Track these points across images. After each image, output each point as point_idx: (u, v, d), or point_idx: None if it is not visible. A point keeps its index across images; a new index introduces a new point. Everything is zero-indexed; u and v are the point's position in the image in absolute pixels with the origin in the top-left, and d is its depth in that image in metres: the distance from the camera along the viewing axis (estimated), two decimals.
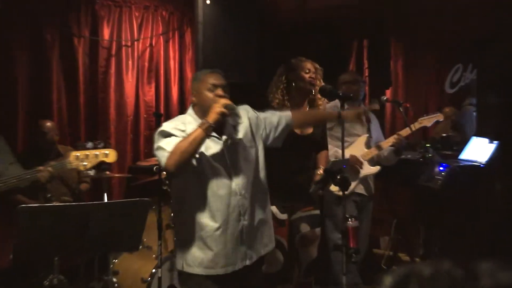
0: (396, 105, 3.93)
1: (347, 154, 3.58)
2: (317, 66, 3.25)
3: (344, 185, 2.58)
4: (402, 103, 3.83)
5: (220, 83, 2.46)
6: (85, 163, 2.85)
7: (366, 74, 5.74)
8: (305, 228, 3.18)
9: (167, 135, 2.38)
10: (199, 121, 2.40)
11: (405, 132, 3.65)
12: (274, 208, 3.03)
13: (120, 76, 5.07)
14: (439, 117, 3.79)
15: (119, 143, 5.05)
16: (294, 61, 3.25)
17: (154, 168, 3.98)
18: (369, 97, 5.35)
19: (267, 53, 4.50)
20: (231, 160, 2.46)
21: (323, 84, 3.17)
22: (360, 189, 3.71)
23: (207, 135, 2.34)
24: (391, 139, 3.67)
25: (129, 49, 5.10)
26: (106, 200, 3.99)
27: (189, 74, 5.31)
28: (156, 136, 2.41)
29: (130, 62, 5.10)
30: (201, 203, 2.44)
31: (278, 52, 3.32)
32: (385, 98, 3.87)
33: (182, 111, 5.27)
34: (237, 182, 2.46)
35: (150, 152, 4.98)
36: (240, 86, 3.18)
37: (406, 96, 5.90)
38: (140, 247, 3.54)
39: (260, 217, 2.56)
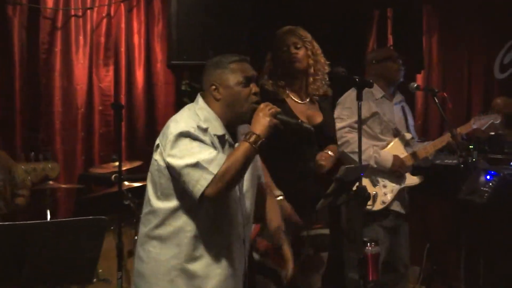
0: (430, 94, 3.96)
1: (387, 155, 3.62)
2: (303, 35, 3.26)
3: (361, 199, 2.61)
4: (438, 92, 3.86)
5: (253, 75, 2.55)
6: (29, 178, 2.90)
7: None
8: (308, 251, 3.20)
9: (194, 138, 2.38)
10: (218, 120, 2.47)
11: (461, 131, 3.75)
12: None
13: (68, 55, 5.06)
14: (496, 117, 3.83)
15: (67, 144, 5.03)
16: (276, 36, 3.33)
17: (113, 176, 3.98)
18: None
19: (264, 26, 4.48)
20: None
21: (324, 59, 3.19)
22: (396, 205, 3.74)
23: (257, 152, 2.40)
24: (440, 142, 3.72)
25: (80, 20, 5.09)
26: (49, 218, 3.99)
27: (158, 53, 5.31)
28: (173, 139, 2.39)
29: (81, 38, 5.09)
30: (210, 224, 2.49)
31: (278, 25, 3.33)
32: (415, 85, 3.90)
33: (149, 101, 5.29)
34: (245, 194, 2.59)
35: (106, 156, 4.97)
36: None
37: (443, 82, 5.93)
38: (95, 280, 3.55)
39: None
